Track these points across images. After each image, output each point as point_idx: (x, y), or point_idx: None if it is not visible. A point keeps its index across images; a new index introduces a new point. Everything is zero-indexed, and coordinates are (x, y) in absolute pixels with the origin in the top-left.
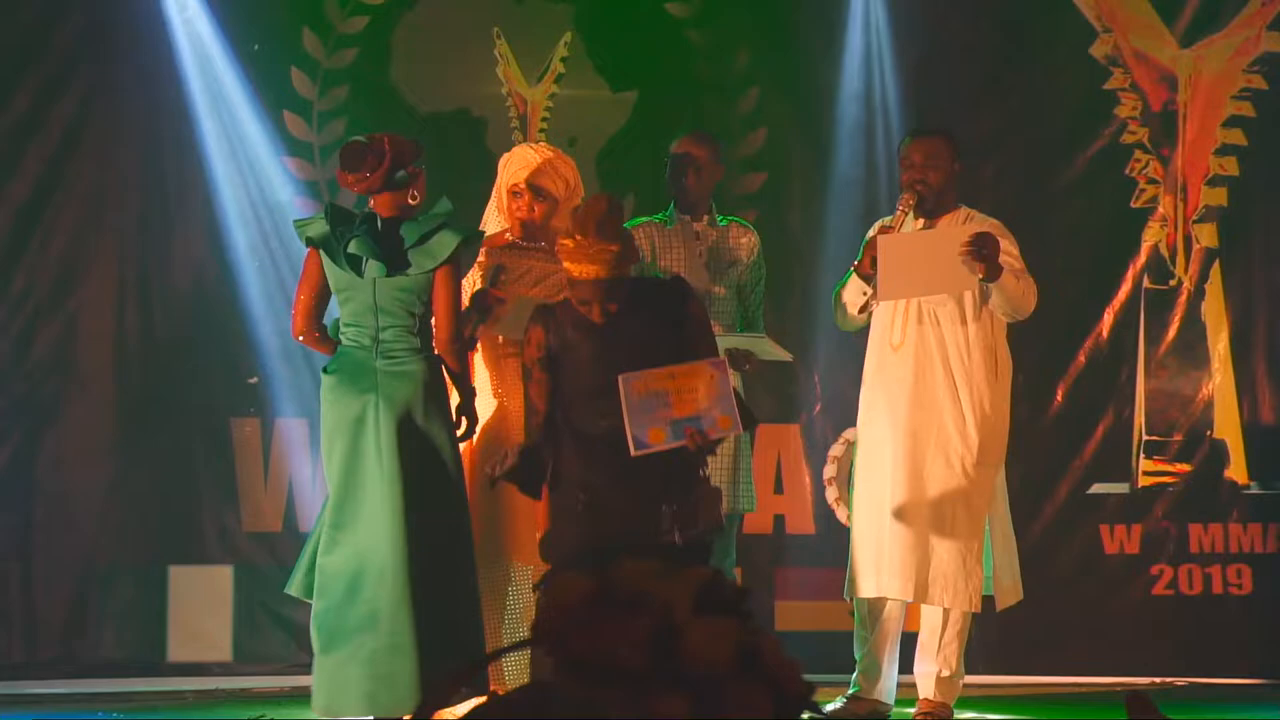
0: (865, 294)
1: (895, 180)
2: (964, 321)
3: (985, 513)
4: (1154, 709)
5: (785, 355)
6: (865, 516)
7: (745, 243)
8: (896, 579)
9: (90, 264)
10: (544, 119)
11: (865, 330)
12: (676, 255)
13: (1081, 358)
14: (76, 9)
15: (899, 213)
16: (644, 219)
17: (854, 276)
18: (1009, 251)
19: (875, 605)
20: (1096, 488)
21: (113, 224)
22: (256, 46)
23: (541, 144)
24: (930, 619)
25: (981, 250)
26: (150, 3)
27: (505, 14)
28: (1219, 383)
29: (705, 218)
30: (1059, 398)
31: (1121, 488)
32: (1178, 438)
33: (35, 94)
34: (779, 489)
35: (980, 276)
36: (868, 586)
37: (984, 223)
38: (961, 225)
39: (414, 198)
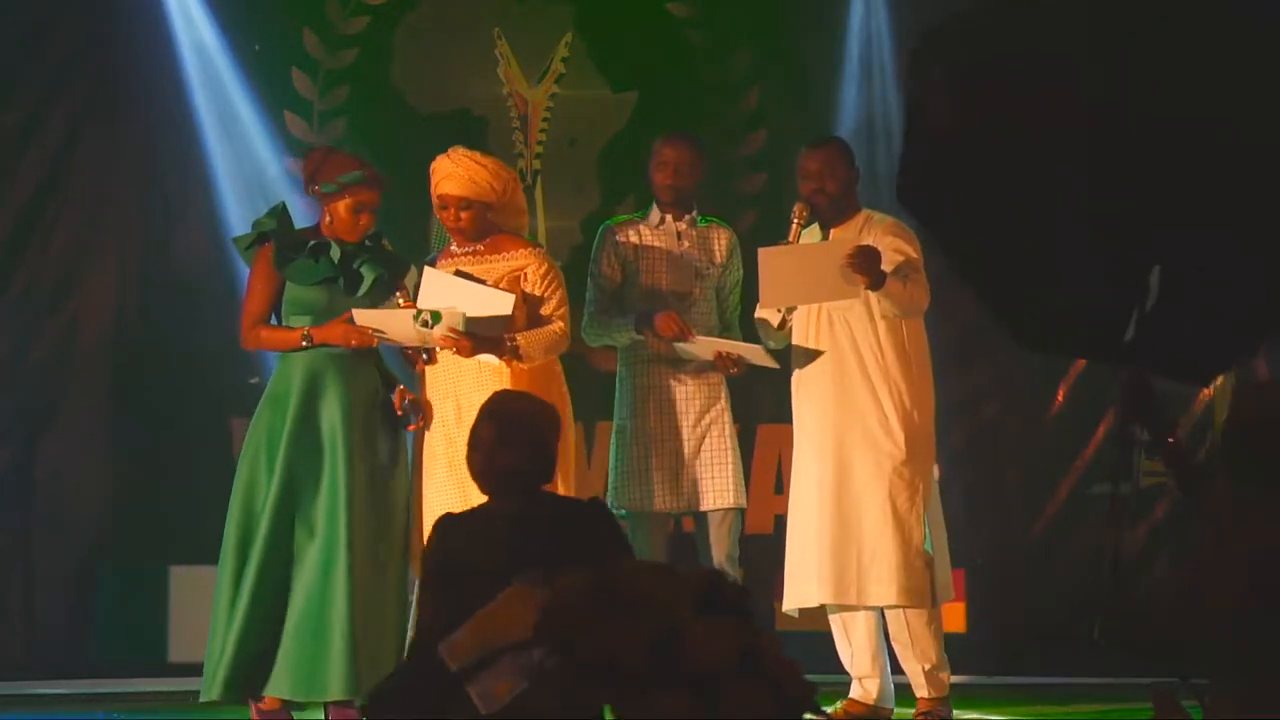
0: (779, 310)
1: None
2: (873, 320)
3: (922, 508)
4: (1179, 706)
5: (774, 364)
6: (798, 525)
7: (722, 244)
8: (828, 585)
9: (90, 264)
10: (544, 119)
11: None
12: (658, 255)
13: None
14: (77, 10)
15: (794, 224)
16: (624, 217)
17: None
18: (903, 250)
19: (848, 619)
20: (1098, 488)
21: (113, 224)
22: (257, 47)
23: (461, 151)
24: (895, 619)
25: (861, 263)
26: (151, 4)
27: (506, 14)
28: (1220, 382)
29: (686, 218)
30: (1059, 398)
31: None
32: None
33: (36, 95)
34: (780, 489)
35: (865, 286)
36: (800, 595)
37: (883, 224)
38: (858, 231)
39: (327, 219)
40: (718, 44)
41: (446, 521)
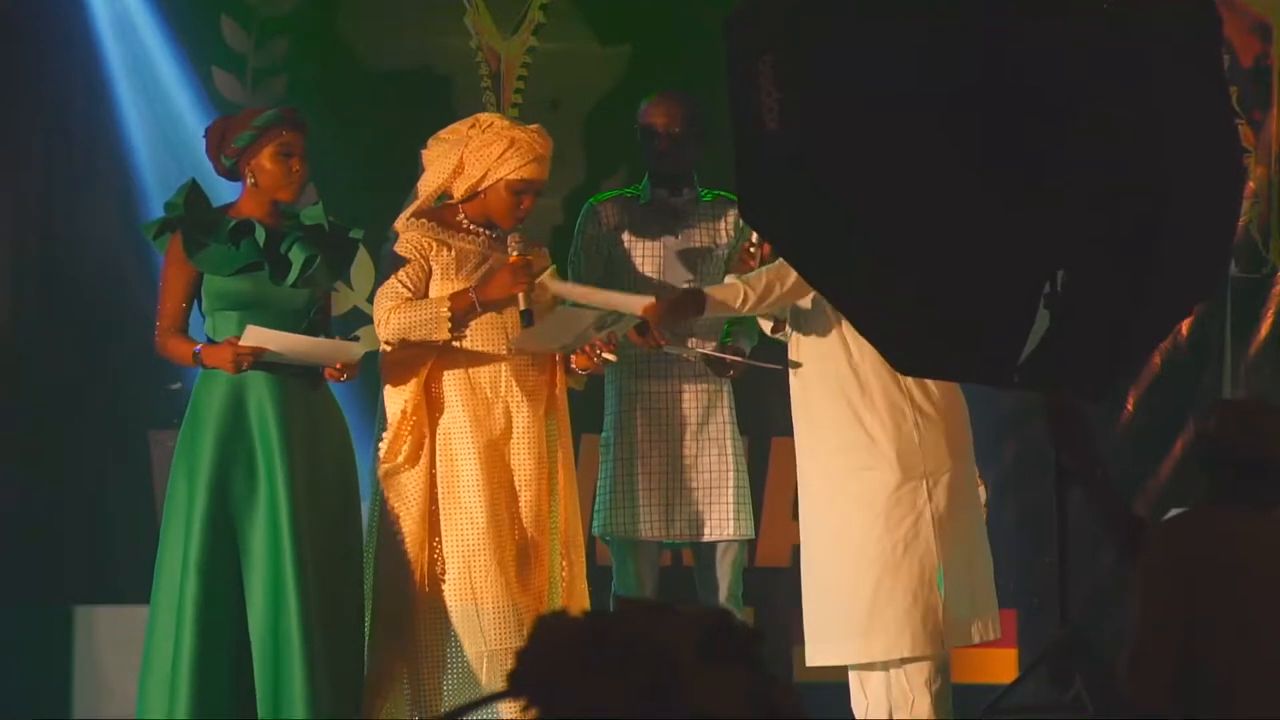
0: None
1: None
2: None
3: (931, 535)
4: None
5: (774, 365)
6: (806, 569)
7: (730, 221)
8: (833, 643)
9: None
10: (520, 77)
11: None
12: (650, 237)
13: (1156, 359)
14: None
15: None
16: (612, 193)
17: None
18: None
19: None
20: (1176, 511)
21: (6, 206)
22: None
23: (535, 126)
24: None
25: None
26: None
27: None
28: None
29: (685, 192)
30: (1130, 407)
31: None
32: None
33: None
34: (797, 514)
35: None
36: (816, 653)
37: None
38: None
39: (251, 180)
40: None
41: None
